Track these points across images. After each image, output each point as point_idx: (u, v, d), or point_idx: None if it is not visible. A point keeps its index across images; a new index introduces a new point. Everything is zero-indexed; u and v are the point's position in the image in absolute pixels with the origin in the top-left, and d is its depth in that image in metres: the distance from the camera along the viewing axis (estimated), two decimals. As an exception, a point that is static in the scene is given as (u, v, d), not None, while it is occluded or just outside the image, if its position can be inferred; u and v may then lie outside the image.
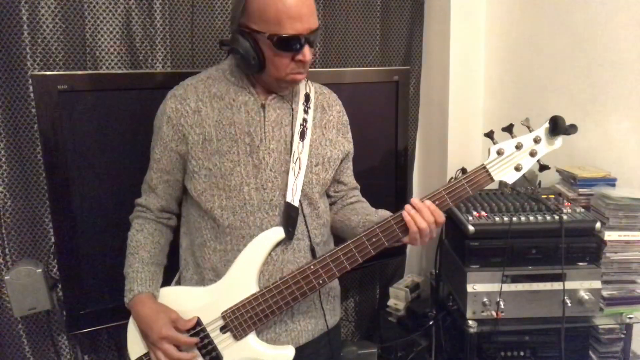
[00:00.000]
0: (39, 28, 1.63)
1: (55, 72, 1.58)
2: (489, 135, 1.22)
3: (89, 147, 1.54)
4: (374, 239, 1.18)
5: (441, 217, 1.17)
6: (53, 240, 1.68)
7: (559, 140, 1.20)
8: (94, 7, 1.69)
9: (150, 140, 1.33)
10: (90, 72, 1.68)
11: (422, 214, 1.15)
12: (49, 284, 1.60)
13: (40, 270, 1.57)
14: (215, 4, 1.86)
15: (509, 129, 1.21)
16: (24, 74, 1.63)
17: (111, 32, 1.73)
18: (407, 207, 1.16)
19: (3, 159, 1.68)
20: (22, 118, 1.67)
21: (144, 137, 1.40)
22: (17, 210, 1.72)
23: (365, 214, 1.33)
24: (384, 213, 1.29)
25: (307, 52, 1.15)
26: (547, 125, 1.20)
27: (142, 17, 1.75)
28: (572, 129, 1.17)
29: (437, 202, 1.17)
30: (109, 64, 1.74)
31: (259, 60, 1.16)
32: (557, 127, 1.17)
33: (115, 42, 1.74)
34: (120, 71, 1.74)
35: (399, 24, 2.26)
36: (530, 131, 1.21)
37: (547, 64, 1.96)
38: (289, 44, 1.13)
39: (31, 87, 1.61)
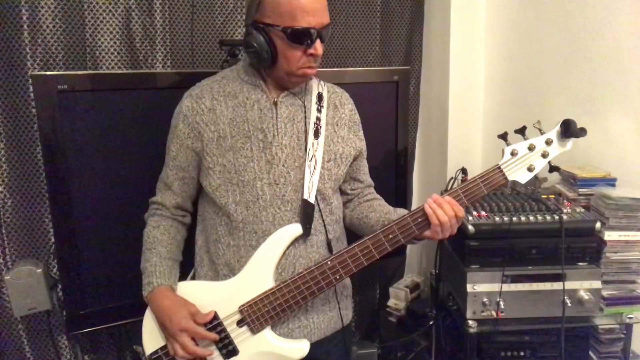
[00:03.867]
0: (39, 28, 1.63)
1: (55, 72, 1.57)
2: (503, 136, 1.25)
3: (88, 147, 1.54)
4: (390, 236, 1.21)
5: (461, 211, 1.21)
6: (53, 240, 1.68)
7: (570, 142, 1.24)
8: (94, 7, 1.69)
9: (152, 140, 1.34)
10: (90, 72, 1.69)
11: (443, 207, 1.19)
12: (49, 284, 1.60)
13: (40, 270, 1.57)
14: (215, 4, 1.86)
15: (521, 131, 1.24)
16: (24, 74, 1.63)
17: (111, 32, 1.73)
18: (429, 201, 1.20)
19: (3, 159, 1.68)
20: (22, 118, 1.67)
21: (144, 136, 1.41)
22: (17, 210, 1.72)
23: (384, 212, 1.35)
24: (403, 211, 1.31)
25: (318, 46, 1.19)
26: (558, 128, 1.23)
27: (142, 17, 1.76)
28: (582, 133, 1.21)
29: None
30: (109, 64, 1.74)
31: (272, 53, 1.19)
32: (569, 130, 1.21)
33: (115, 42, 1.74)
34: (120, 71, 1.74)
35: (399, 24, 2.26)
36: (542, 133, 1.24)
37: (548, 64, 1.96)
38: (302, 37, 1.16)
39: (31, 87, 1.62)
